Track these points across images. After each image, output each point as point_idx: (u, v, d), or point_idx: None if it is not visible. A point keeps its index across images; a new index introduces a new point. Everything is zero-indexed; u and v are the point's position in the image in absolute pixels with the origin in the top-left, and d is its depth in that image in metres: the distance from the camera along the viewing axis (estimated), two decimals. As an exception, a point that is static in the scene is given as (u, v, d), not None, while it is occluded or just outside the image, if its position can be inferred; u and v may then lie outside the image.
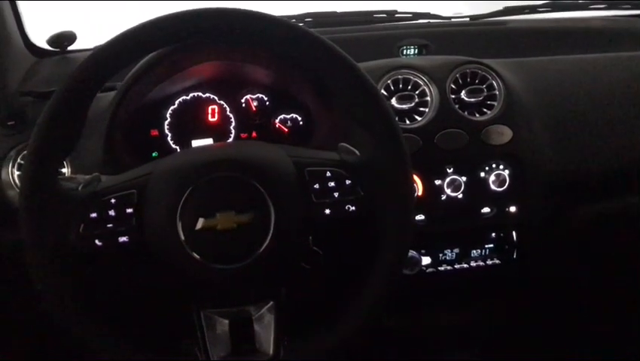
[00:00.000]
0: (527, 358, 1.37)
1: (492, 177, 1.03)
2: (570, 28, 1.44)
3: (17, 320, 1.16)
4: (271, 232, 0.69)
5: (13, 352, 1.24)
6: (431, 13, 1.39)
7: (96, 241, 0.69)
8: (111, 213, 0.70)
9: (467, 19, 1.41)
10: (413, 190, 0.80)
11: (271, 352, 0.73)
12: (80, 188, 0.72)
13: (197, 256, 0.68)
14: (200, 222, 0.68)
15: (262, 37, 0.73)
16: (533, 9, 1.41)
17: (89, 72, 0.69)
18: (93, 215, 0.69)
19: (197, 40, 0.86)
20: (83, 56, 1.21)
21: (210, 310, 0.74)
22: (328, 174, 0.74)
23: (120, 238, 0.70)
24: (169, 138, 1.07)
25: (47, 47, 1.21)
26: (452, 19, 1.40)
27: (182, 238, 0.68)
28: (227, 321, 0.74)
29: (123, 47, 0.69)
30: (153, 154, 1.06)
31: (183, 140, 1.07)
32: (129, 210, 0.70)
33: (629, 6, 1.48)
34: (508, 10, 1.40)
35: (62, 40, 1.19)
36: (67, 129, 0.69)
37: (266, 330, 0.74)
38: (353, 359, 1.30)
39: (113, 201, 0.70)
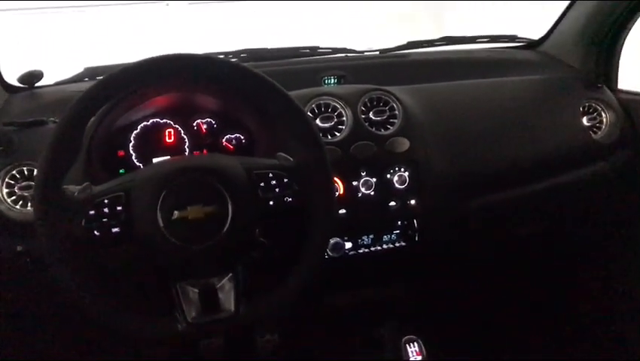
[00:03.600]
0: (444, 327, 1.64)
1: (396, 178, 1.28)
2: (461, 59, 1.73)
3: (14, 320, 1.33)
4: (229, 219, 0.92)
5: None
6: (348, 48, 1.64)
7: (95, 232, 0.90)
8: (105, 210, 0.90)
9: (378, 52, 1.67)
10: (335, 187, 1.04)
11: (232, 309, 0.94)
12: (76, 193, 0.93)
13: (174, 240, 0.90)
14: (175, 214, 0.90)
15: (216, 75, 0.97)
16: (431, 42, 1.69)
17: (84, 106, 0.89)
18: (91, 212, 0.90)
19: (164, 81, 1.08)
20: (50, 91, 1.41)
21: (183, 282, 0.94)
22: (270, 175, 0.98)
23: (113, 229, 0.90)
24: (133, 157, 1.27)
25: (16, 83, 1.38)
26: (365, 53, 1.66)
27: (162, 225, 0.89)
28: (196, 290, 0.94)
29: (111, 85, 0.90)
30: (121, 171, 1.26)
31: (145, 158, 1.27)
32: (119, 208, 0.91)
33: (507, 39, 1.79)
34: (411, 44, 1.66)
35: (32, 77, 1.37)
36: (69, 149, 0.90)
37: (227, 295, 0.95)
38: (293, 332, 1.55)
39: (106, 201, 0.91)
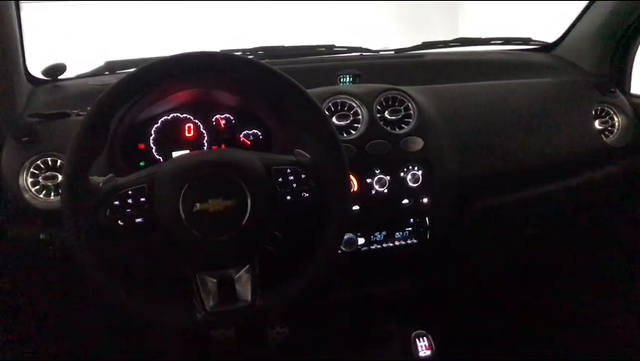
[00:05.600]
0: (454, 323, 1.67)
1: (409, 176, 1.31)
2: (475, 60, 1.75)
3: (34, 306, 1.37)
4: (248, 212, 0.95)
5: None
6: (363, 47, 1.66)
7: (119, 222, 0.93)
8: (129, 201, 0.94)
9: (393, 52, 1.69)
10: (350, 184, 1.07)
11: (249, 300, 0.97)
12: (101, 184, 0.96)
13: (194, 231, 0.93)
14: (197, 206, 0.93)
15: (237, 72, 1.00)
16: (445, 43, 1.71)
17: (113, 99, 0.92)
18: (116, 203, 0.93)
19: (189, 77, 1.11)
20: (72, 84, 1.45)
21: (202, 272, 0.97)
22: (288, 170, 1.01)
23: (136, 220, 0.94)
24: (153, 151, 1.30)
25: (40, 76, 1.41)
26: (380, 52, 1.68)
27: (183, 217, 0.93)
28: (215, 280, 0.97)
29: (140, 80, 0.94)
30: (141, 163, 1.29)
31: (164, 152, 1.31)
32: (142, 199, 0.94)
33: (521, 42, 1.81)
34: (425, 45, 1.69)
35: (55, 70, 1.40)
36: (96, 140, 0.93)
37: (244, 286, 0.98)
38: (304, 325, 1.58)
39: (130, 192, 0.94)
